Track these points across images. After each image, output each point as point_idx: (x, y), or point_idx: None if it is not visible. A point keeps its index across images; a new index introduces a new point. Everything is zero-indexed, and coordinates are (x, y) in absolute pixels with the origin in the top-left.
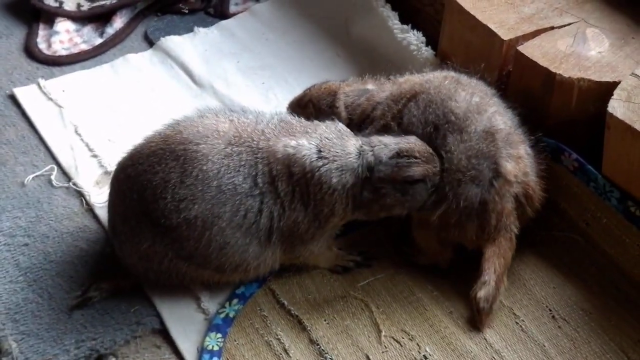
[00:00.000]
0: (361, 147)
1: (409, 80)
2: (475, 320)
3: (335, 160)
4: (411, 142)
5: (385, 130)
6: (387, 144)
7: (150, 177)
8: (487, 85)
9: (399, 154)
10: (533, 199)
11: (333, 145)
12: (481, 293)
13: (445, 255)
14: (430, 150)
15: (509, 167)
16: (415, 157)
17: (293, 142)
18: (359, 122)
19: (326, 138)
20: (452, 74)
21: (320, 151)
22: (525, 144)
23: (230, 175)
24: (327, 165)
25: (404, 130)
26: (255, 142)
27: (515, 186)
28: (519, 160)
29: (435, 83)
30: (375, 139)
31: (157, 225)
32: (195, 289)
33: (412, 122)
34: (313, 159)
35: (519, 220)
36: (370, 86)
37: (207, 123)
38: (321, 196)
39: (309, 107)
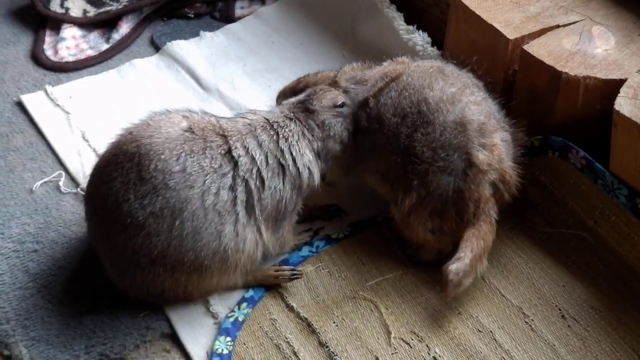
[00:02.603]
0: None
1: (402, 62)
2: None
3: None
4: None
5: (363, 106)
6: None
7: (110, 186)
8: (474, 77)
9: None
10: (510, 184)
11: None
12: (452, 266)
13: (445, 241)
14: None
15: (482, 156)
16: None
17: (251, 116)
18: None
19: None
20: (439, 63)
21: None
22: (501, 131)
23: (194, 158)
24: (290, 125)
25: (377, 109)
26: (217, 126)
27: (490, 173)
28: (493, 149)
29: (420, 69)
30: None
31: (124, 231)
32: None
33: (387, 103)
34: (275, 120)
35: (497, 204)
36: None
37: (157, 119)
38: (293, 153)
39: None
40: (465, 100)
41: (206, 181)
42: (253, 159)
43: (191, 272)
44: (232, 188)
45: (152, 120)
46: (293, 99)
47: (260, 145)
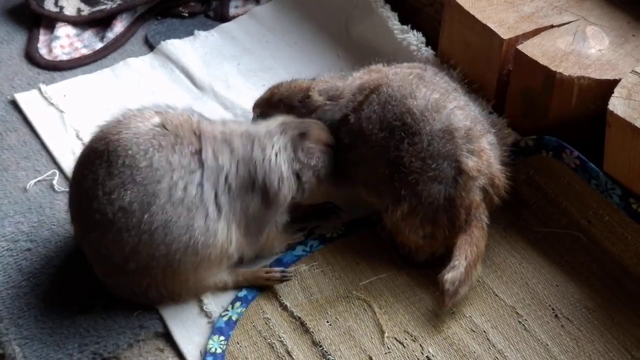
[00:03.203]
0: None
1: (378, 71)
2: (439, 300)
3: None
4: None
5: (344, 122)
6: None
7: (82, 184)
8: (451, 78)
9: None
10: (499, 187)
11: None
12: (448, 275)
13: (437, 244)
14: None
15: (471, 163)
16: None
17: (233, 125)
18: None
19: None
20: (417, 69)
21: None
22: (487, 135)
23: (162, 152)
24: (273, 137)
25: (359, 124)
26: (195, 126)
27: (480, 179)
28: (481, 154)
29: (399, 77)
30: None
31: (96, 228)
32: None
33: (371, 118)
34: (255, 132)
35: (487, 208)
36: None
37: (128, 114)
38: (266, 166)
39: (279, 106)
40: (450, 107)
41: (174, 176)
42: (221, 166)
43: (165, 267)
44: (201, 185)
45: (123, 116)
46: (288, 119)
47: (231, 153)
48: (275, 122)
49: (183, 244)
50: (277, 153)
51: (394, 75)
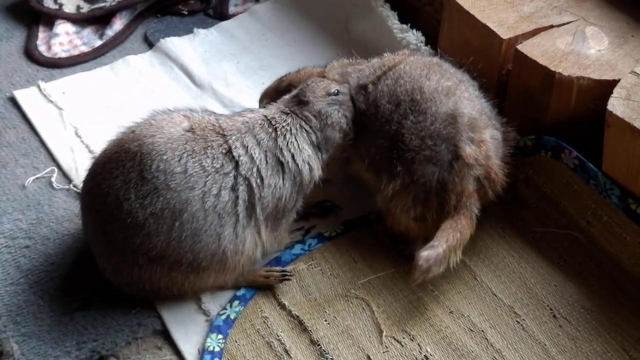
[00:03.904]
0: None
1: (402, 54)
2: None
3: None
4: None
5: (364, 90)
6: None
7: (111, 183)
8: (469, 76)
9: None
10: (495, 182)
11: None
12: (424, 253)
13: (428, 228)
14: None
15: (469, 150)
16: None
17: (249, 114)
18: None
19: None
20: (437, 59)
21: (274, 115)
22: (491, 129)
23: (196, 158)
24: (287, 120)
25: (374, 94)
26: (216, 126)
27: (476, 169)
28: (481, 144)
29: (419, 60)
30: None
31: (123, 230)
32: None
33: (383, 90)
34: (272, 117)
35: (480, 201)
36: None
37: (159, 118)
38: (292, 150)
39: (290, 90)
40: (459, 95)
41: (207, 182)
42: (252, 157)
43: (188, 272)
44: (234, 188)
45: (154, 119)
46: (287, 96)
47: (259, 143)
48: (281, 102)
49: (211, 252)
50: (296, 136)
51: (415, 59)
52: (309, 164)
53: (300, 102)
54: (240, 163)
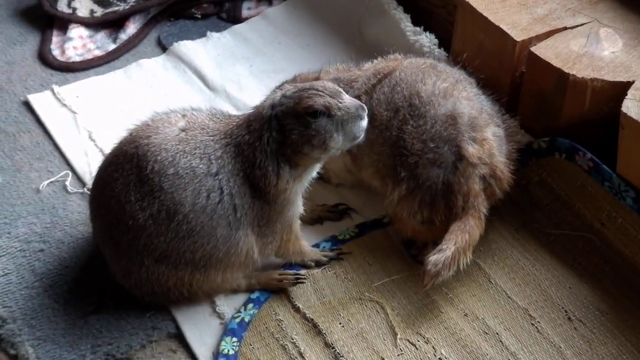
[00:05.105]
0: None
1: (395, 59)
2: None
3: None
4: (318, 81)
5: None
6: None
7: (112, 187)
8: (466, 74)
9: (302, 89)
10: (501, 180)
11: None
12: (432, 257)
13: (437, 231)
14: (339, 89)
15: (471, 149)
16: (318, 90)
17: (235, 119)
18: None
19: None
20: (431, 61)
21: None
22: (492, 126)
23: (187, 159)
24: (257, 125)
25: (370, 105)
26: (208, 126)
27: (481, 167)
28: (483, 143)
29: (413, 65)
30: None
31: (127, 232)
32: None
33: (380, 99)
34: (237, 125)
35: (488, 200)
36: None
37: (156, 119)
38: (253, 159)
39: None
40: (457, 95)
41: (197, 184)
42: (232, 163)
43: (194, 271)
44: (221, 190)
45: (152, 120)
46: (279, 93)
47: (237, 148)
48: (269, 100)
49: (208, 252)
50: (261, 146)
51: (408, 64)
52: (265, 176)
53: (272, 106)
54: (224, 166)
